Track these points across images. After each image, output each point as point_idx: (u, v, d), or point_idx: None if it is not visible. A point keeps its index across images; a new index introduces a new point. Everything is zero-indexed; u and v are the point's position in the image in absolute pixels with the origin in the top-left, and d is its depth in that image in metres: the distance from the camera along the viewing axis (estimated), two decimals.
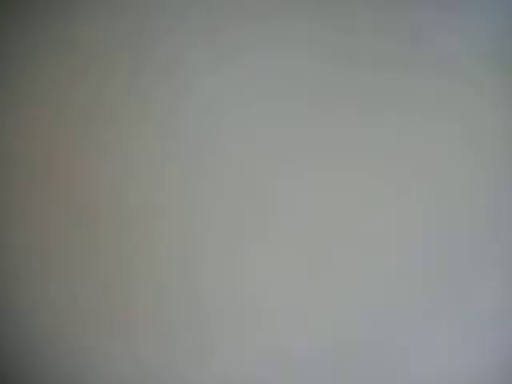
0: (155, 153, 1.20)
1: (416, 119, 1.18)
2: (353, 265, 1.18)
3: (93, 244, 1.20)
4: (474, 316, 1.16)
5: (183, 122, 1.20)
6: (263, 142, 1.19)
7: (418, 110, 1.18)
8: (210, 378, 1.18)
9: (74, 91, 1.21)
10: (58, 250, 1.20)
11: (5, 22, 1.22)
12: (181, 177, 1.19)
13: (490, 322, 1.16)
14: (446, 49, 1.18)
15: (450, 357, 1.16)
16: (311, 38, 1.19)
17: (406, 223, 1.17)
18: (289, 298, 1.18)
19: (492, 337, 1.16)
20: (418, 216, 1.17)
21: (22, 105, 1.22)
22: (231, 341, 1.18)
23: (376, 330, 1.16)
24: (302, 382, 1.17)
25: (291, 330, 1.17)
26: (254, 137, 1.19)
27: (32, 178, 1.21)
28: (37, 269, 1.20)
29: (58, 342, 1.20)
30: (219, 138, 1.19)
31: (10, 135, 1.22)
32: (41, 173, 1.21)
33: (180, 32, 1.21)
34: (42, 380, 1.20)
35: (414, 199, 1.18)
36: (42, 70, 1.22)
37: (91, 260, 1.20)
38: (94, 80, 1.21)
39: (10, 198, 1.21)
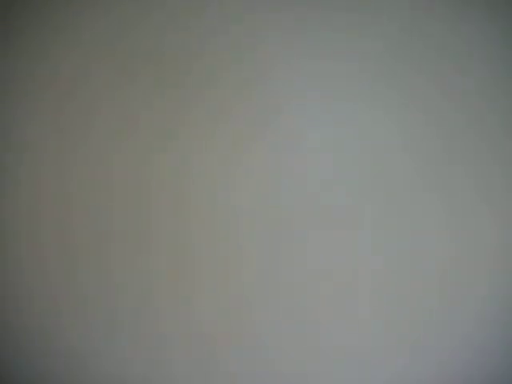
0: (155, 153, 1.20)
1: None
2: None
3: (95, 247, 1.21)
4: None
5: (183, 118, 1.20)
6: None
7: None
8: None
9: (74, 88, 1.22)
10: (58, 251, 1.21)
11: (3, 18, 1.23)
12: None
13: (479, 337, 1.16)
14: None
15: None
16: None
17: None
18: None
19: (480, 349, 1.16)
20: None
21: (20, 99, 1.22)
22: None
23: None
24: None
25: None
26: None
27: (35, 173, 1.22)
28: (38, 269, 1.21)
29: (58, 343, 1.20)
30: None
31: (9, 130, 1.22)
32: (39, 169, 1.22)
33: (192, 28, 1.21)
34: (41, 381, 1.20)
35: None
36: (42, 64, 1.22)
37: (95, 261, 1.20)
38: (94, 78, 1.22)
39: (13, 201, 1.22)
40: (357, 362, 1.17)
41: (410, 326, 1.16)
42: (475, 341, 1.16)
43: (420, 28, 1.18)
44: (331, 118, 1.19)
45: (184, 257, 1.19)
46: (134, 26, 1.21)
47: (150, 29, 1.21)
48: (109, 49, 1.21)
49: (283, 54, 1.19)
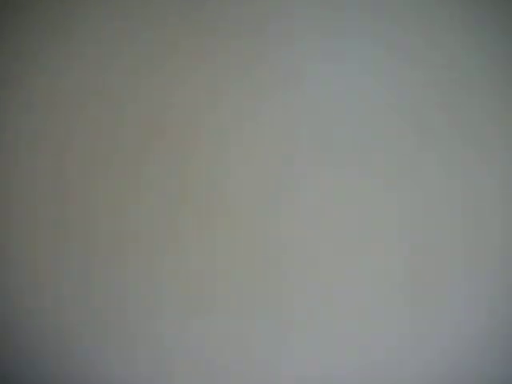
0: (156, 152, 1.21)
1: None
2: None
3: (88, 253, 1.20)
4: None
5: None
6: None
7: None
8: None
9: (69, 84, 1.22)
10: (59, 251, 1.21)
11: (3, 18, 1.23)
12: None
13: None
14: None
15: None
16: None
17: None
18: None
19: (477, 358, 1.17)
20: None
21: (20, 99, 1.22)
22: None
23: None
24: None
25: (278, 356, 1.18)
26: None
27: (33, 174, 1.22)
28: (38, 269, 1.21)
29: (58, 347, 1.20)
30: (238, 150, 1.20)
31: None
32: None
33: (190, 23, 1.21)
34: (41, 380, 1.20)
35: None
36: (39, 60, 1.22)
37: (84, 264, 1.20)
38: (91, 73, 1.22)
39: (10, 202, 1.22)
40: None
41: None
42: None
43: None
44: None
45: (184, 256, 1.20)
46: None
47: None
48: (110, 49, 1.22)
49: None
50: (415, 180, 1.17)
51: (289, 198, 1.18)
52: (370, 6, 1.18)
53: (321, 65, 1.18)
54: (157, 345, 1.19)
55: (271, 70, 1.19)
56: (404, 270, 1.17)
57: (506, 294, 1.15)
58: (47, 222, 1.21)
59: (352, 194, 1.18)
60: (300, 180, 1.18)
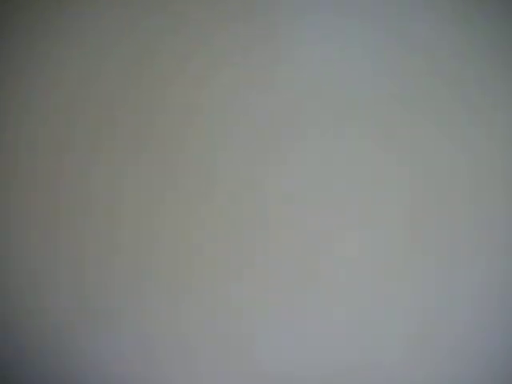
0: (156, 153, 1.20)
1: None
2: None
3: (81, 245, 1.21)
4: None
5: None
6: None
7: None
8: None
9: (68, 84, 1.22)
10: (59, 251, 1.21)
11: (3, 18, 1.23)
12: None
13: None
14: None
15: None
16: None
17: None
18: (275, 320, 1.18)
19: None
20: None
21: (19, 99, 1.22)
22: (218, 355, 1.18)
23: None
24: None
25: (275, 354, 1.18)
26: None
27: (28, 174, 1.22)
28: (35, 269, 1.21)
29: (57, 342, 1.20)
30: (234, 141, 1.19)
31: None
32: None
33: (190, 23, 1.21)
34: (41, 380, 1.21)
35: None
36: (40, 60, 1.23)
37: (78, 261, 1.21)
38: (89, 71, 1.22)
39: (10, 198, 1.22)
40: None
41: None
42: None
43: None
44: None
45: (183, 256, 1.20)
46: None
47: None
48: (112, 48, 1.22)
49: None
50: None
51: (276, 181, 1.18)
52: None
53: (321, 45, 1.17)
54: (151, 344, 1.20)
55: (267, 55, 1.18)
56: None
57: None
58: (42, 221, 1.21)
59: (347, 176, 1.17)
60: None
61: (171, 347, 1.19)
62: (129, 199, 1.20)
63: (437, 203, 1.16)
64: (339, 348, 1.16)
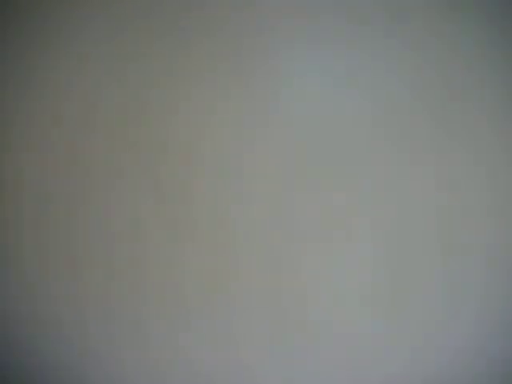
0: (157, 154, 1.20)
1: None
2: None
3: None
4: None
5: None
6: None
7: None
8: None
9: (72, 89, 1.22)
10: (59, 241, 1.21)
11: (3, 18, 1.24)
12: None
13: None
14: None
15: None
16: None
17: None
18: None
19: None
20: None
21: (20, 99, 1.23)
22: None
23: None
24: None
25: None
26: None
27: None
28: (37, 258, 1.21)
29: (59, 329, 1.21)
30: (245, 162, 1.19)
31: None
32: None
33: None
34: (43, 369, 1.21)
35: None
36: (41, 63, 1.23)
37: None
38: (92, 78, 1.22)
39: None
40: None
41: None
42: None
43: None
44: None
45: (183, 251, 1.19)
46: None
47: None
48: (108, 49, 1.22)
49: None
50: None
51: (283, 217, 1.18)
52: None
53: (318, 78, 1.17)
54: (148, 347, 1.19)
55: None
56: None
57: None
58: (32, 222, 1.21)
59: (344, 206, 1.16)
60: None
61: (171, 360, 1.19)
62: (129, 205, 1.21)
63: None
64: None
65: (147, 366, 1.19)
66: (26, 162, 1.21)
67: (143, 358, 1.19)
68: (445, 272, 1.15)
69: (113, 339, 1.19)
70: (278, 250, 1.17)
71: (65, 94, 1.21)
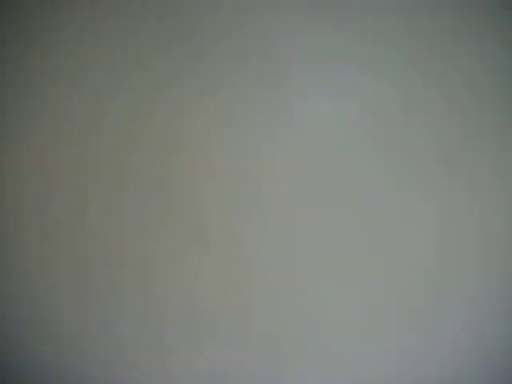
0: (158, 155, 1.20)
1: None
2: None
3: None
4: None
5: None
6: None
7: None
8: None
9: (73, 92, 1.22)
10: (60, 249, 1.21)
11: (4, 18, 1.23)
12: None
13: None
14: None
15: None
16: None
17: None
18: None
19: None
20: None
21: (20, 99, 1.22)
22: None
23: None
24: None
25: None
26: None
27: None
28: (38, 264, 1.21)
29: (59, 329, 1.20)
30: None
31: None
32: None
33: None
34: (43, 369, 1.20)
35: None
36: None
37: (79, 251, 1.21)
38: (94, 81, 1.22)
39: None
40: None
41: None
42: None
43: None
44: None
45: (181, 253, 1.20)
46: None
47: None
48: (110, 49, 1.22)
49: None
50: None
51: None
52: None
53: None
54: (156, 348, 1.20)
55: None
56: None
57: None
58: (32, 222, 1.21)
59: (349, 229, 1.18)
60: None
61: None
62: (132, 204, 1.21)
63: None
64: None
65: (149, 366, 1.19)
66: (26, 162, 1.21)
67: (143, 358, 1.19)
68: (442, 278, 1.17)
69: (114, 339, 1.19)
70: (289, 254, 1.19)
71: (65, 94, 1.21)
